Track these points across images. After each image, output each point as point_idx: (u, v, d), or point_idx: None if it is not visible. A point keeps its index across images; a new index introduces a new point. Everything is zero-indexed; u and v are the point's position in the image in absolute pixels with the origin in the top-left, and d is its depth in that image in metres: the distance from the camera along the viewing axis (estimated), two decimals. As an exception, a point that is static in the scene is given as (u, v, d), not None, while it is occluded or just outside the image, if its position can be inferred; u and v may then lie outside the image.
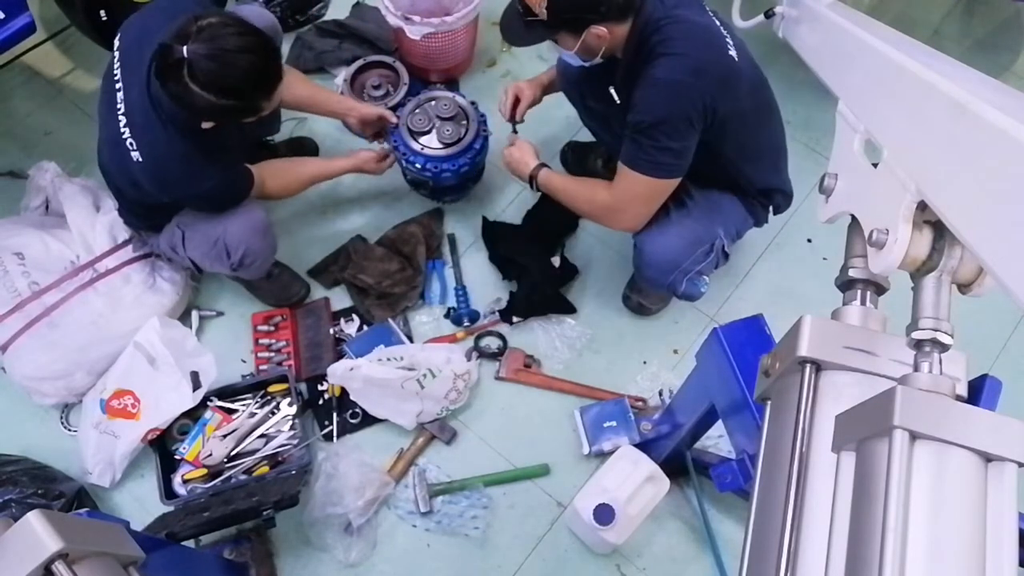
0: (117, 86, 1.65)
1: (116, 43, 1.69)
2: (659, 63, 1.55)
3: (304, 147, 2.42)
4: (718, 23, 1.64)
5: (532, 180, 1.95)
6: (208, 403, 1.99)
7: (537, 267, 2.20)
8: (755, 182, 1.88)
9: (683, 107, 1.55)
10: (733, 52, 1.60)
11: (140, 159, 1.63)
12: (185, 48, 1.44)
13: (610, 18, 1.57)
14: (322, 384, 2.09)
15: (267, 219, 1.88)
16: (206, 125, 1.61)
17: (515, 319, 2.19)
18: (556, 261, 2.27)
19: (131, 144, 1.63)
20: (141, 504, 1.96)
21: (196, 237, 1.86)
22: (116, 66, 1.66)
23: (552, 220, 2.33)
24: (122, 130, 1.63)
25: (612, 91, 1.74)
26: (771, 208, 1.98)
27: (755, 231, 2.06)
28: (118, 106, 1.64)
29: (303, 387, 2.11)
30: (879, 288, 0.96)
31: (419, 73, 2.54)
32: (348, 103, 2.14)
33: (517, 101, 2.07)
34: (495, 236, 2.30)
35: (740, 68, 1.61)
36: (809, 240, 2.36)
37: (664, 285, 1.89)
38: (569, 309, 2.21)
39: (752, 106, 1.70)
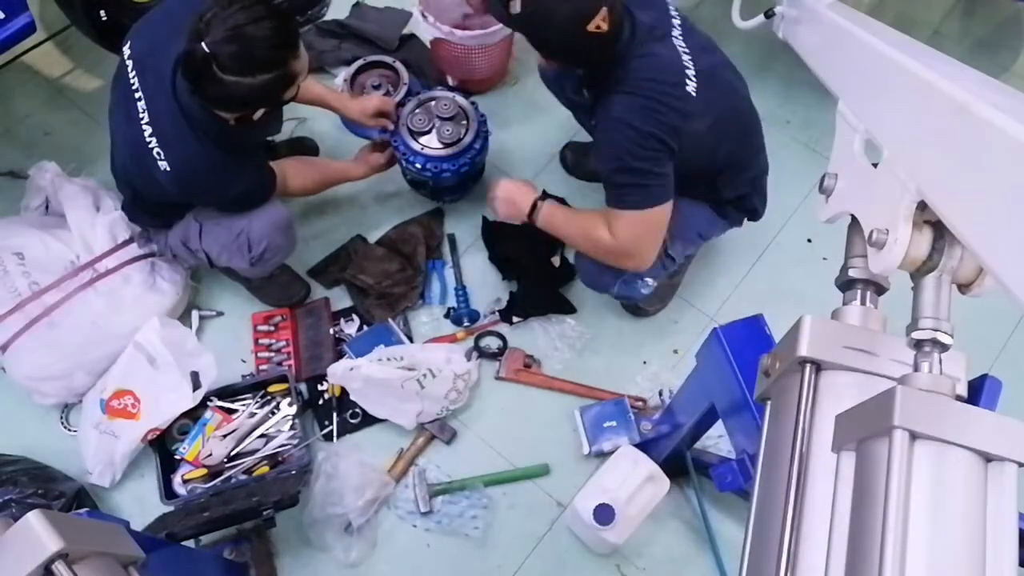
0: (136, 95, 1.65)
1: (126, 51, 1.68)
2: (617, 101, 1.56)
3: (304, 147, 2.42)
4: (682, 51, 1.59)
5: (531, 214, 1.86)
6: (208, 403, 1.99)
7: (537, 267, 2.20)
8: (723, 194, 1.86)
9: (643, 142, 1.56)
10: (691, 87, 1.57)
11: (168, 168, 1.64)
12: (203, 44, 1.46)
13: (560, 63, 1.62)
14: (322, 384, 2.09)
15: (290, 216, 1.91)
16: (257, 115, 1.63)
17: (515, 319, 2.19)
18: (556, 261, 2.27)
19: (159, 154, 1.63)
20: (141, 504, 1.96)
21: (216, 230, 1.86)
22: (132, 75, 1.66)
23: None
24: (148, 139, 1.63)
25: (584, 91, 1.75)
26: (747, 212, 1.96)
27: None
28: (140, 115, 1.64)
29: (303, 387, 2.10)
30: (879, 288, 0.96)
31: (442, 78, 2.54)
32: (343, 100, 2.13)
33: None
34: (495, 236, 2.30)
35: (694, 104, 1.57)
36: (809, 240, 2.36)
37: (598, 287, 1.90)
38: (569, 309, 2.21)
39: (713, 134, 1.65)
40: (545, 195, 1.92)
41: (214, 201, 1.83)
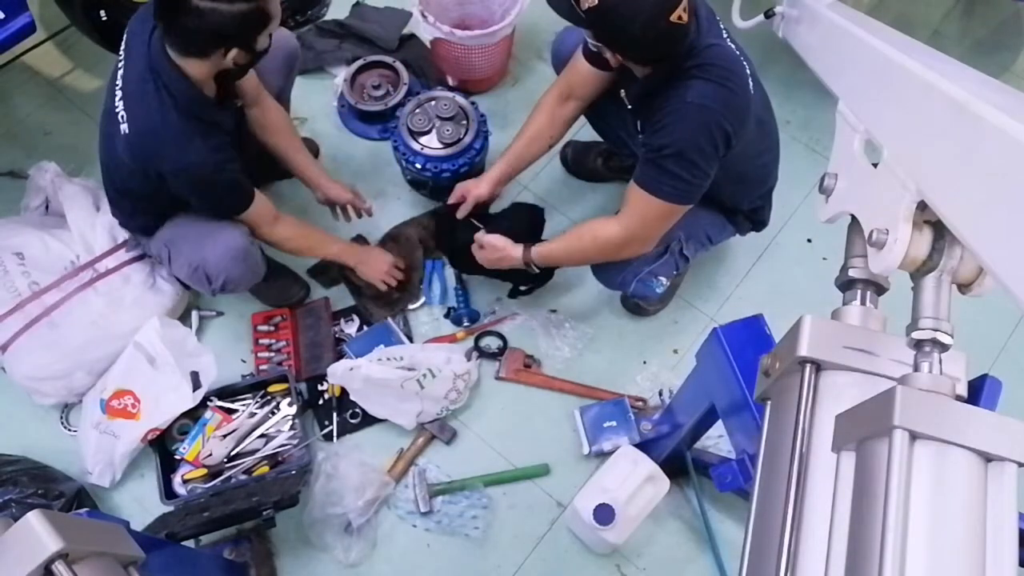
0: (119, 66, 1.65)
1: (124, 41, 1.69)
2: (693, 85, 1.51)
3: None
4: (736, 49, 1.59)
5: (528, 265, 1.86)
6: (208, 403, 1.99)
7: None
8: (741, 205, 1.89)
9: (712, 134, 1.52)
10: (751, 84, 1.57)
11: (127, 131, 1.60)
12: None
13: (634, 61, 1.55)
14: (322, 384, 2.09)
15: (247, 245, 1.84)
16: (231, 55, 1.55)
17: (522, 288, 2.12)
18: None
19: (122, 117, 1.61)
20: (141, 504, 1.96)
21: (179, 259, 1.86)
22: (121, 55, 1.66)
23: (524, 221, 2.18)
24: (116, 105, 1.62)
25: (623, 94, 1.72)
26: (755, 223, 2.00)
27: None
28: (116, 83, 1.63)
29: (303, 387, 2.10)
30: (879, 288, 0.96)
31: (442, 78, 2.54)
32: (321, 179, 2.08)
33: (463, 200, 2.00)
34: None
35: (752, 102, 1.58)
36: (809, 240, 2.36)
37: (615, 284, 1.89)
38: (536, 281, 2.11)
39: (751, 137, 1.66)
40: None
41: (170, 172, 1.65)
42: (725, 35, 1.60)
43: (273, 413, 2.01)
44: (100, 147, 1.77)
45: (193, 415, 1.97)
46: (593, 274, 1.97)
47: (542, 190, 2.41)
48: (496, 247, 1.89)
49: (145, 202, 1.84)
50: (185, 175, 1.66)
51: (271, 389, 2.04)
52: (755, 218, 1.98)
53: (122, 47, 1.68)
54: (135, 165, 1.66)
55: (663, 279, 1.90)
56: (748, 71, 1.58)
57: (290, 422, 2.00)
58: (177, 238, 1.86)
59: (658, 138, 1.56)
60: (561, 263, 1.89)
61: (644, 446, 1.88)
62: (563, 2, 1.52)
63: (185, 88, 1.59)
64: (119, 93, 1.62)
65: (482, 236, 1.93)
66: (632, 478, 1.76)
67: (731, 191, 1.81)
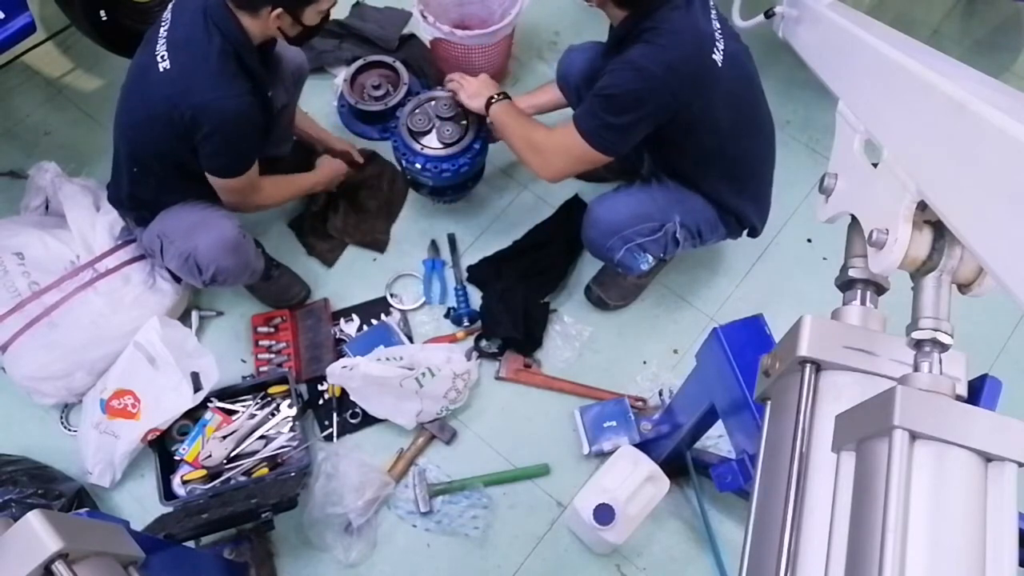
0: (164, 20, 1.68)
1: (172, 5, 1.72)
2: (638, 47, 1.59)
3: (304, 150, 2.41)
4: (716, 27, 1.64)
5: (487, 108, 1.95)
6: (208, 404, 1.99)
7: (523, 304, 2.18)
8: (714, 194, 1.89)
9: (642, 93, 1.60)
10: (717, 56, 1.61)
11: (168, 67, 1.63)
12: None
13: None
14: (322, 384, 2.09)
15: (238, 237, 1.87)
16: (276, 16, 1.61)
17: (483, 343, 2.16)
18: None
19: (163, 57, 1.64)
20: (141, 504, 1.96)
21: (171, 250, 1.87)
22: (167, 16, 1.69)
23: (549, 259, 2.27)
24: (156, 51, 1.64)
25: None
26: (744, 230, 2.01)
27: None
28: (161, 34, 1.66)
29: (303, 388, 2.10)
30: (879, 288, 0.96)
31: (442, 78, 2.54)
32: (323, 134, 2.30)
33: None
34: (485, 277, 2.27)
35: (719, 74, 1.62)
36: (809, 240, 2.36)
37: (603, 248, 1.91)
38: (530, 350, 2.18)
39: (729, 116, 1.71)
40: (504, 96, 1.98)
41: (203, 109, 1.64)
42: (713, 14, 1.65)
43: (273, 415, 2.00)
44: (118, 111, 1.79)
45: (193, 416, 1.97)
46: (585, 240, 1.97)
47: (542, 190, 2.41)
48: (478, 90, 2.00)
49: (152, 174, 1.83)
50: (215, 111, 1.65)
51: (271, 391, 2.04)
52: (743, 219, 1.97)
53: (169, 9, 1.70)
54: (165, 104, 1.65)
55: (650, 256, 1.92)
56: (715, 43, 1.61)
57: (290, 424, 2.00)
58: (169, 229, 1.88)
59: (598, 83, 1.65)
60: (501, 130, 1.96)
61: (644, 446, 1.88)
62: None
63: (234, 31, 1.63)
64: (161, 42, 1.65)
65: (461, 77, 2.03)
66: (632, 478, 1.76)
67: (704, 167, 1.84)
